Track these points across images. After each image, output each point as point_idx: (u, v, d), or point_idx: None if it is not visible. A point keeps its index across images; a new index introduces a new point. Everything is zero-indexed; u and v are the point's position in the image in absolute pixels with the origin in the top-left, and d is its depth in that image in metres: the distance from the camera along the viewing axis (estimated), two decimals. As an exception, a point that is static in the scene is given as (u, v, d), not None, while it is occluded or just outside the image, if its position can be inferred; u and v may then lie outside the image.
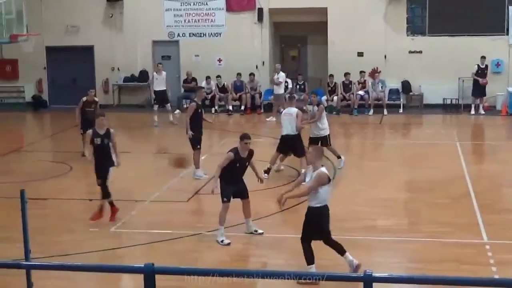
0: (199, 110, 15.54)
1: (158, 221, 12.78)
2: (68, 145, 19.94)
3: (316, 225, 10.06)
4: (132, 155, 18.19)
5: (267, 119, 23.21)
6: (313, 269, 10.06)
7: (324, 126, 15.91)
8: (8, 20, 17.75)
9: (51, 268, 8.17)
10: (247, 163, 11.82)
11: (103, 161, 12.58)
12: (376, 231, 11.99)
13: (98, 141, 12.53)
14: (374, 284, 5.57)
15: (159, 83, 22.73)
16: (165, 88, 22.83)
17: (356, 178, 15.83)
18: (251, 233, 11.91)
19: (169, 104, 22.74)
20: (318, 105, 16.01)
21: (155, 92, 22.91)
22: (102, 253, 11.18)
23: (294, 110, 15.28)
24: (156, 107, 22.72)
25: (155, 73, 23.17)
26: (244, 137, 11.78)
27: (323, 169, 9.96)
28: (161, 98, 22.66)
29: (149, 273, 5.70)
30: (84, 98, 17.83)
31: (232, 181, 11.64)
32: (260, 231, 11.94)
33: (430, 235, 11.75)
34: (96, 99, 18.08)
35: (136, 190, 15.07)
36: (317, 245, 11.32)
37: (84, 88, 26.31)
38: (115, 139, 12.76)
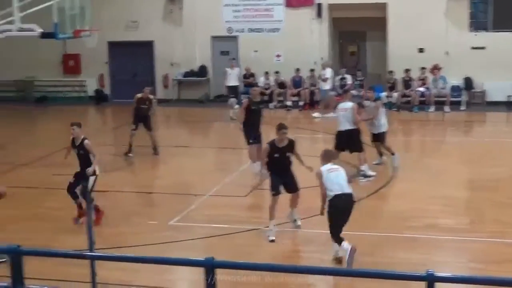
0: (252, 107, 15.56)
1: (217, 215, 12.86)
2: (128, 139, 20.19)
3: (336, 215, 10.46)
4: (190, 149, 18.38)
5: (313, 115, 23.12)
6: (345, 245, 10.17)
7: (380, 123, 15.79)
8: (71, 16, 18.02)
9: (115, 260, 8.23)
10: (287, 153, 11.81)
11: (82, 169, 12.38)
12: (437, 230, 11.82)
13: (75, 151, 12.48)
14: (436, 284, 5.50)
15: (232, 78, 23.79)
16: (237, 84, 23.95)
17: (417, 175, 15.54)
18: (292, 221, 11.93)
19: (236, 100, 23.24)
20: (375, 101, 15.91)
21: (227, 87, 23.78)
22: (162, 246, 11.28)
23: (349, 104, 15.18)
24: (232, 100, 23.14)
25: (228, 69, 24.10)
26: (279, 127, 11.82)
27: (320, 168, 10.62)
28: (233, 93, 23.53)
29: (210, 267, 5.75)
30: (139, 95, 17.77)
31: (277, 172, 11.70)
32: (299, 223, 11.93)
33: (493, 235, 11.57)
34: (150, 96, 17.93)
35: (195, 184, 15.23)
36: (374, 243, 11.27)
37: (144, 82, 26.81)
38: (92, 149, 12.35)
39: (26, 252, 6.68)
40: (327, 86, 23.90)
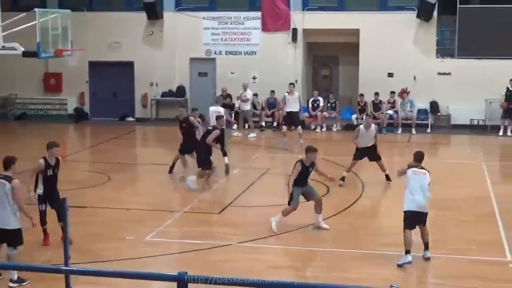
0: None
1: (191, 231, 13.22)
2: (107, 156, 20.49)
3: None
4: (167, 167, 18.71)
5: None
6: None
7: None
8: (54, 36, 18.28)
9: (89, 274, 8.39)
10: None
11: (54, 190, 12.30)
12: (403, 247, 11.98)
13: (48, 172, 12.20)
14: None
15: (291, 104, 21.66)
16: (297, 110, 21.83)
17: (384, 194, 16.18)
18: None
19: (300, 127, 21.58)
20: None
21: (287, 113, 21.81)
22: (138, 261, 11.58)
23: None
24: (285, 128, 21.66)
25: (286, 94, 21.94)
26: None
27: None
28: (291, 119, 21.69)
29: (182, 282, 5.89)
30: (181, 118, 17.84)
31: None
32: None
33: (455, 252, 11.96)
34: (190, 118, 17.67)
35: (170, 201, 15.61)
36: (347, 260, 11.79)
37: (123, 101, 27.37)
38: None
39: (3, 266, 6.85)
40: (247, 106, 24.56)
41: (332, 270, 11.00)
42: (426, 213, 11.57)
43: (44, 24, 17.60)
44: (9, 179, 10.66)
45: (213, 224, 13.87)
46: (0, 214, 10.63)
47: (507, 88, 24.06)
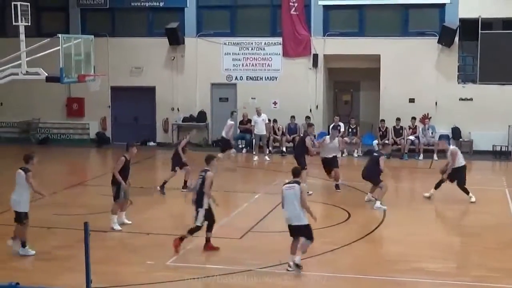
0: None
1: (213, 256, 13.21)
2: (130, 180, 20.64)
3: None
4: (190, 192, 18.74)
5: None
6: None
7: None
8: (76, 61, 18.49)
9: None
10: None
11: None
12: (424, 274, 12.15)
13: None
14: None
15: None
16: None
17: (405, 220, 16.04)
18: None
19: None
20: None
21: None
22: (158, 285, 11.58)
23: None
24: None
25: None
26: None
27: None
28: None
29: None
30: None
31: None
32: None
33: (478, 279, 11.87)
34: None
35: (191, 225, 15.62)
36: (365, 286, 11.67)
37: (145, 126, 27.55)
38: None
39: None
40: (264, 131, 24.77)
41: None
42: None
43: (67, 49, 17.80)
44: (298, 182, 12.37)
45: (234, 249, 13.82)
46: (293, 212, 12.22)
47: None
